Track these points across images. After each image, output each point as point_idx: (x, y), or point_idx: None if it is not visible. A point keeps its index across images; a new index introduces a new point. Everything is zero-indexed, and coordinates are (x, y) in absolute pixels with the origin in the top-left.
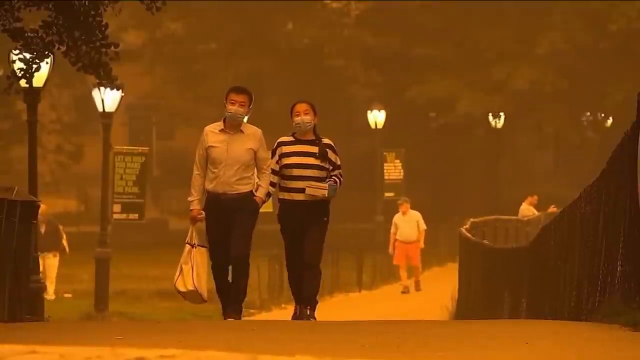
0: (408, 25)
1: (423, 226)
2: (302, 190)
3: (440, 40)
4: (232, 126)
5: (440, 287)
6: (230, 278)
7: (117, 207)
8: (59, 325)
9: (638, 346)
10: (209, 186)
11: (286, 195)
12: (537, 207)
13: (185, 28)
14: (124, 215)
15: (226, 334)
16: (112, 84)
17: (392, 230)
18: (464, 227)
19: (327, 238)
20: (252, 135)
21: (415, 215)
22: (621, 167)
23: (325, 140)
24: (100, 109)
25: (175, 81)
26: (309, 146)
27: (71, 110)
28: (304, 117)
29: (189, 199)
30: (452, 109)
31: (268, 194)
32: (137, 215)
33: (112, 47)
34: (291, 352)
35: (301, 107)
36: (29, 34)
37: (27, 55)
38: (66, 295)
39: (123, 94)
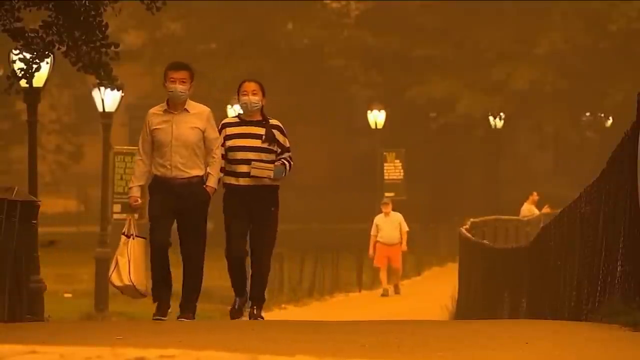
0: (408, 25)
1: (405, 228)
2: (247, 175)
3: (440, 40)
4: (176, 105)
5: (440, 287)
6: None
7: (117, 207)
8: (59, 325)
9: (638, 346)
10: (157, 171)
11: (231, 180)
12: (537, 205)
13: (185, 28)
14: (124, 215)
15: (226, 334)
16: (112, 84)
17: (373, 231)
18: (464, 227)
19: (327, 238)
20: (198, 114)
21: (398, 216)
22: (621, 167)
23: (273, 122)
24: (100, 109)
25: None
26: (255, 127)
27: (71, 110)
28: (251, 97)
29: (129, 185)
30: (452, 109)
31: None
32: (137, 215)
33: (113, 47)
34: (291, 352)
35: (249, 86)
36: (29, 34)
37: (27, 55)
38: (66, 295)
39: (123, 94)
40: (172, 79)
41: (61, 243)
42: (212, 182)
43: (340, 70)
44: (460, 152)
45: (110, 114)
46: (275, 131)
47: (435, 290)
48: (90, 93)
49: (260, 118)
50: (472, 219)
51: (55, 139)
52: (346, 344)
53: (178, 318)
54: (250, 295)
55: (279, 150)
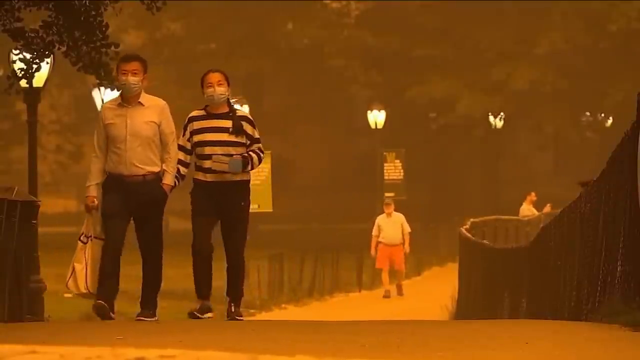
0: (408, 25)
1: (407, 229)
2: (215, 170)
3: (440, 40)
4: (129, 99)
5: (440, 287)
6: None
7: None
8: (59, 325)
9: (638, 346)
10: (112, 168)
11: (200, 176)
12: (536, 206)
13: (185, 28)
14: None
15: (226, 334)
16: (112, 84)
17: (374, 232)
18: (464, 227)
19: (328, 238)
20: (154, 107)
21: (400, 217)
22: (621, 167)
23: (241, 113)
24: (100, 109)
25: (175, 81)
26: (222, 120)
27: (71, 110)
28: (217, 89)
29: (86, 184)
30: (452, 109)
31: (181, 176)
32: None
33: (113, 47)
34: (291, 352)
35: (214, 77)
36: (29, 34)
37: (27, 55)
38: (66, 295)
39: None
40: (123, 71)
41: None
42: (168, 180)
43: (340, 70)
44: (460, 152)
45: None
46: (243, 122)
47: (435, 290)
48: (90, 93)
49: (227, 110)
50: (472, 219)
51: (55, 139)
52: (346, 344)
53: (137, 317)
54: (227, 291)
55: (248, 143)
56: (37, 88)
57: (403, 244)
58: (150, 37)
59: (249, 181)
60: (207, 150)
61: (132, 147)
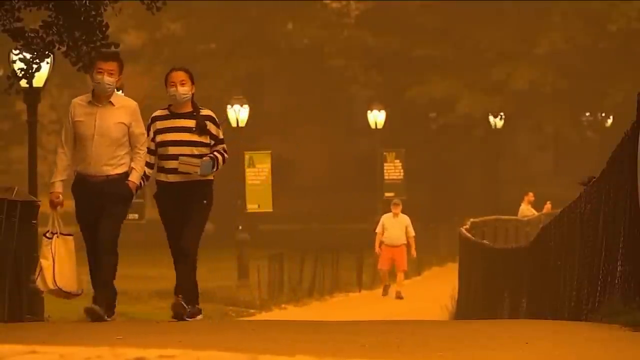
0: (408, 25)
1: (412, 232)
2: (177, 171)
3: (440, 40)
4: (101, 98)
5: (440, 287)
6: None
7: None
8: (59, 325)
9: (638, 346)
10: (78, 167)
11: (162, 177)
12: (534, 205)
13: (185, 28)
14: None
15: (226, 334)
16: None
17: (378, 229)
18: (464, 227)
19: (328, 237)
20: (124, 108)
21: (405, 219)
22: (621, 167)
23: (205, 112)
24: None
25: None
26: (186, 120)
27: None
28: (179, 88)
29: (51, 180)
30: (452, 109)
31: (146, 177)
32: (137, 215)
33: (113, 47)
34: (291, 352)
35: (177, 76)
36: (29, 34)
37: (28, 55)
38: None
39: (123, 94)
40: (99, 70)
41: None
42: (134, 178)
43: (340, 70)
44: (460, 152)
45: None
46: (207, 122)
47: (435, 290)
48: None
49: (190, 109)
50: (472, 219)
51: (55, 139)
52: (346, 344)
53: (87, 312)
54: (175, 288)
55: (212, 142)
56: (37, 88)
57: (406, 245)
58: (150, 37)
59: (212, 181)
60: (171, 150)
61: (98, 147)
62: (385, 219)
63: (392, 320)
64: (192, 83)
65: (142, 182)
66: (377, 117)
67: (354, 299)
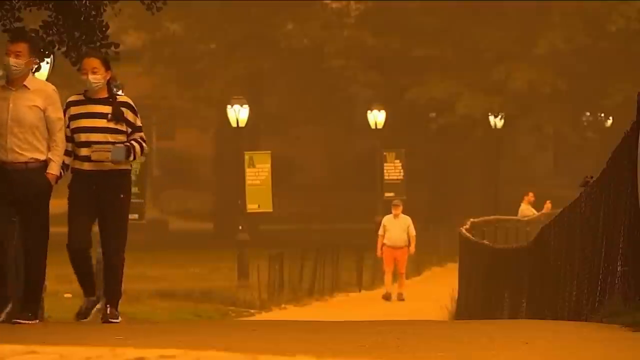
0: (408, 25)
1: (413, 232)
2: (90, 158)
3: (440, 40)
4: (14, 81)
5: (440, 287)
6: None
7: None
8: (59, 325)
9: (638, 346)
10: None
11: (77, 165)
12: (534, 205)
13: (184, 28)
14: None
15: (226, 334)
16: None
17: (380, 231)
18: (464, 227)
19: (328, 237)
20: (39, 92)
21: (406, 220)
22: (621, 167)
23: (122, 98)
24: None
25: (175, 81)
26: (101, 106)
27: None
28: (90, 77)
29: None
30: (451, 109)
31: (66, 166)
32: (137, 215)
33: (113, 48)
34: (291, 352)
35: (88, 63)
36: (29, 34)
37: None
38: (66, 295)
39: (123, 94)
40: (7, 52)
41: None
42: (53, 169)
43: (340, 70)
44: (460, 152)
45: None
46: (123, 109)
47: (435, 291)
48: None
49: (106, 95)
50: (472, 219)
51: None
52: (346, 344)
53: (13, 322)
54: (103, 291)
55: (129, 131)
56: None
57: (408, 246)
58: (150, 37)
59: (130, 171)
60: (84, 137)
61: (13, 133)
62: (387, 220)
63: (392, 320)
64: (107, 70)
65: (61, 172)
66: (377, 117)
67: (354, 299)
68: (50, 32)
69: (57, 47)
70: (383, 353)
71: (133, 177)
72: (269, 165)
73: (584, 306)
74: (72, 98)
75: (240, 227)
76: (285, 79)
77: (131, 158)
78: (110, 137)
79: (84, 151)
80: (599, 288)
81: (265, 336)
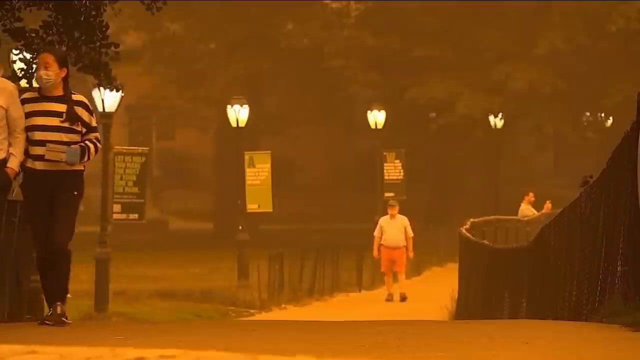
0: (408, 25)
1: (410, 233)
2: (44, 158)
3: (440, 40)
4: None
5: (440, 287)
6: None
7: (117, 207)
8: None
9: (638, 346)
10: None
11: (29, 163)
12: (534, 205)
13: (184, 28)
14: (124, 216)
15: (226, 334)
16: (111, 84)
17: (376, 233)
18: (464, 227)
19: (328, 237)
20: (0, 90)
21: (403, 220)
22: (621, 167)
23: (77, 97)
24: (100, 109)
25: (175, 81)
26: (56, 104)
27: None
28: (42, 72)
29: None
30: (451, 109)
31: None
32: (137, 215)
33: (113, 48)
34: (291, 352)
35: (42, 58)
36: (29, 34)
37: (28, 55)
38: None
39: (123, 95)
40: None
41: None
42: (12, 164)
43: (340, 70)
44: (460, 152)
45: (110, 114)
46: (78, 108)
47: (435, 291)
48: (90, 93)
49: (61, 93)
50: (472, 219)
51: None
52: (346, 344)
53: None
54: (51, 288)
55: (84, 130)
56: (37, 88)
57: (406, 247)
58: (150, 37)
59: (82, 171)
60: (37, 135)
61: None
62: (383, 221)
63: (392, 320)
64: (62, 67)
65: (20, 168)
66: (377, 117)
67: (354, 299)
68: (50, 32)
69: (57, 47)
70: (383, 353)
71: (133, 178)
72: (269, 165)
73: (584, 306)
74: (26, 95)
75: (240, 227)
76: (285, 79)
77: (85, 159)
78: (64, 137)
79: (37, 150)
80: (599, 288)
81: (265, 336)
